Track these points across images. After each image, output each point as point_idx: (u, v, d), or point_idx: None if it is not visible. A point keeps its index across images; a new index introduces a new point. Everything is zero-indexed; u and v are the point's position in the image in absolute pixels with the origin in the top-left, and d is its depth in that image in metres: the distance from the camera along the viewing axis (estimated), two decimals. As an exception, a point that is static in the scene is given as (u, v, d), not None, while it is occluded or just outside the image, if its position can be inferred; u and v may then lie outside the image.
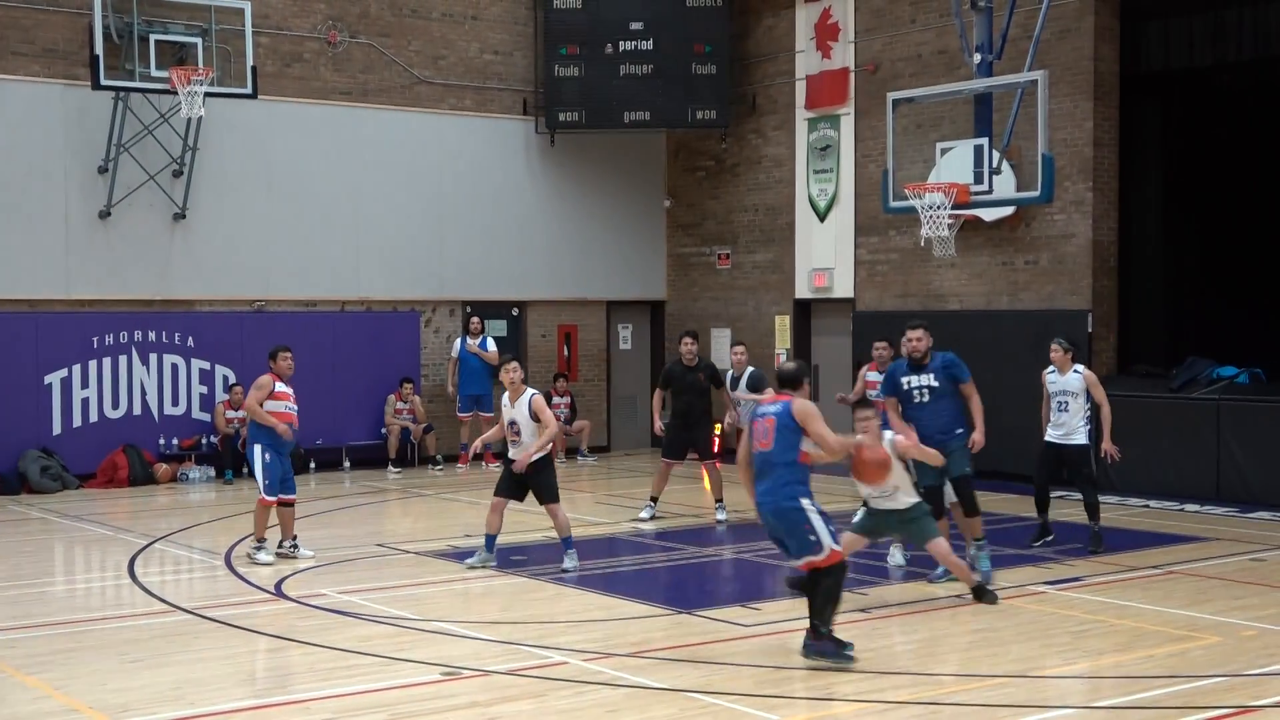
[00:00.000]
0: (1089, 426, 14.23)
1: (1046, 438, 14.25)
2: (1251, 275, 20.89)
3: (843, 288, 21.61)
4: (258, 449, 13.31)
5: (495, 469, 20.93)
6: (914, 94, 17.95)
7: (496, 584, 12.43)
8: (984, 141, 16.57)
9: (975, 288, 19.77)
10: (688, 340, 16.28)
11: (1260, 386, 17.54)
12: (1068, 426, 14.12)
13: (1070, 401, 14.07)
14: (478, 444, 14.54)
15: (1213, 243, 20.41)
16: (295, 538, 13.52)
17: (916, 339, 12.40)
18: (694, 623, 10.74)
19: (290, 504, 13.47)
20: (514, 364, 12.92)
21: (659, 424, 16.31)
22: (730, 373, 16.18)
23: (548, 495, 12.83)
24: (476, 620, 10.88)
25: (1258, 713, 8.26)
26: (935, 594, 11.73)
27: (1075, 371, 14.11)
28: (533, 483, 12.82)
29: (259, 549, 13.27)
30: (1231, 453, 17.29)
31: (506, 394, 12.93)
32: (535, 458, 12.62)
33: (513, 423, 12.77)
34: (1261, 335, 20.51)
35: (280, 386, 13.54)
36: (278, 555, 13.33)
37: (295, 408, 13.65)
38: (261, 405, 13.35)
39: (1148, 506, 16.98)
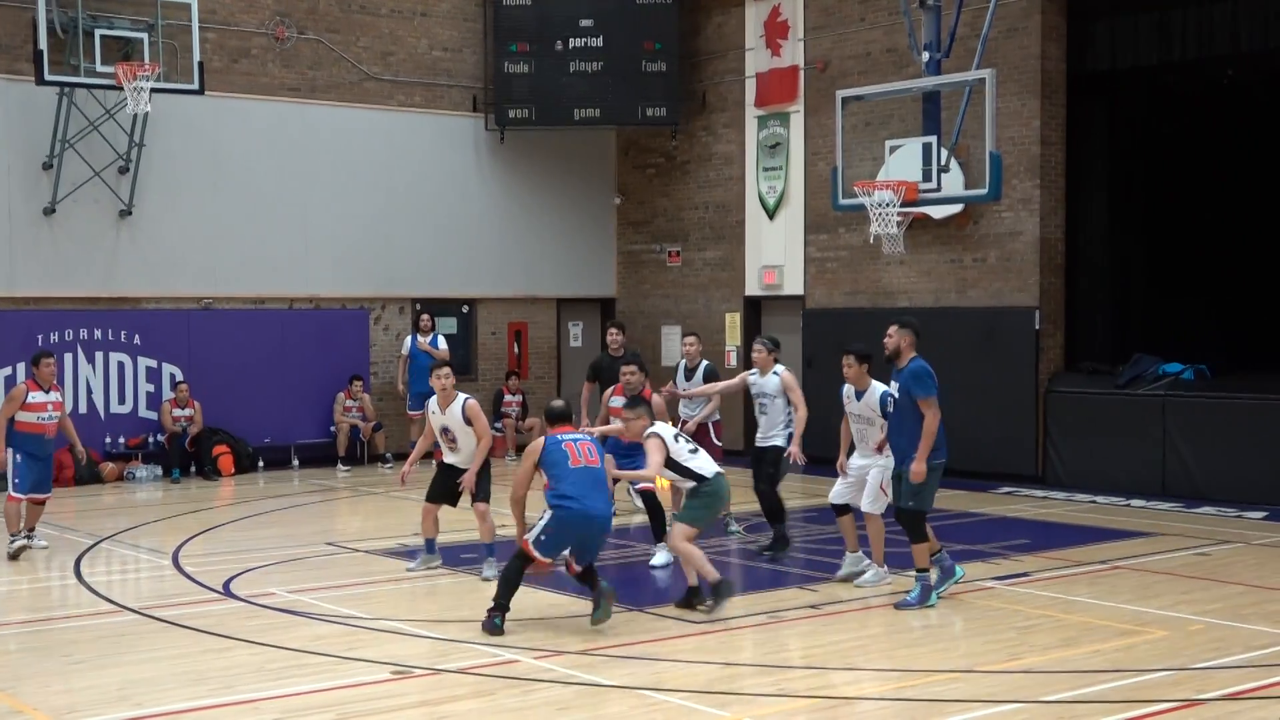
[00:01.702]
0: (790, 430, 13.07)
1: (756, 442, 13.45)
2: (1197, 273, 21.11)
3: (793, 285, 21.67)
4: (10, 452, 13.52)
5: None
6: (863, 92, 18.03)
7: (446, 583, 12.38)
8: (932, 139, 16.65)
9: (924, 285, 19.87)
10: (613, 331, 16.22)
11: (1205, 383, 17.72)
12: (764, 429, 13.21)
13: (768, 404, 13.09)
14: (408, 465, 13.29)
15: (1159, 240, 20.61)
16: (34, 530, 13.75)
17: (886, 335, 11.44)
18: (645, 620, 10.73)
19: (41, 503, 13.74)
20: (446, 369, 12.45)
21: (586, 419, 15.55)
22: (683, 363, 15.73)
23: (479, 494, 12.39)
24: (426, 619, 10.84)
25: (1204, 706, 8.34)
26: (882, 589, 11.75)
27: (774, 373, 13.04)
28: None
29: (13, 540, 13.53)
30: (1177, 449, 17.47)
31: (435, 399, 12.47)
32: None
33: (445, 429, 12.37)
34: (1206, 332, 20.75)
35: (36, 396, 13.63)
36: (13, 541, 13.50)
37: (55, 415, 13.76)
38: (12, 417, 13.52)
39: (1094, 502, 17.12)
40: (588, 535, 10.38)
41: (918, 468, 10.91)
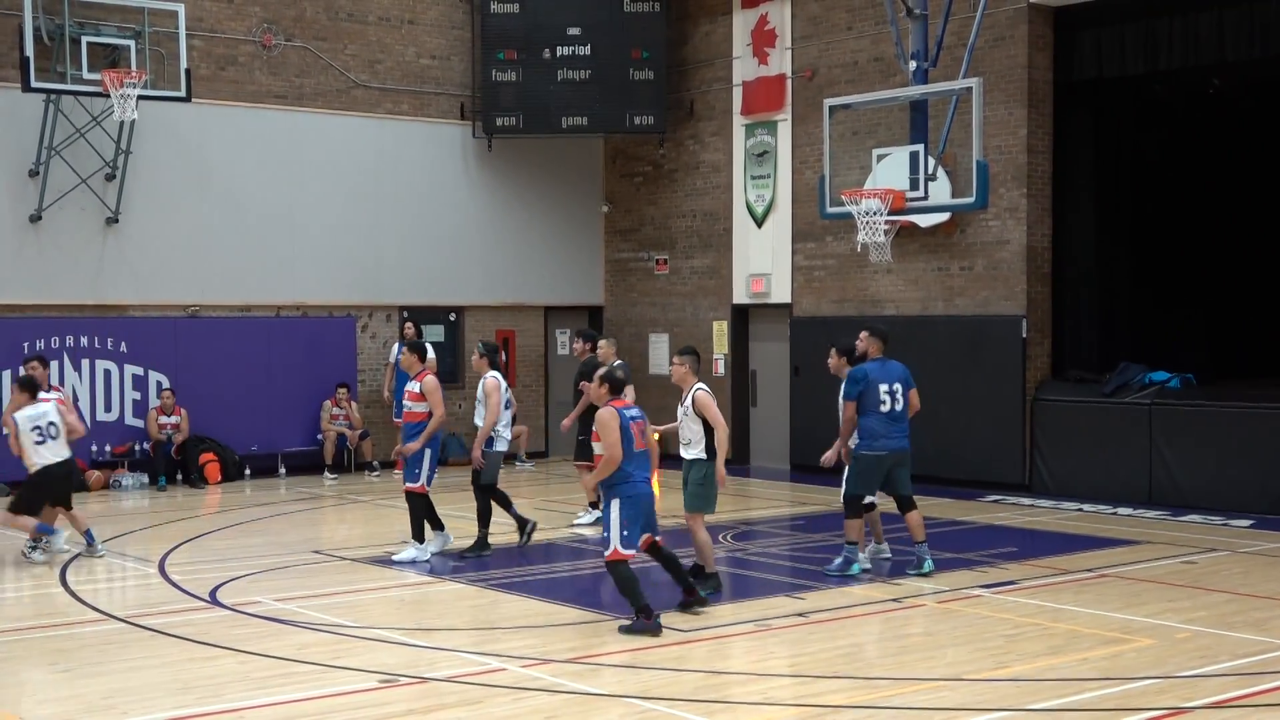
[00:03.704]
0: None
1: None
2: (1183, 281, 21.16)
3: (780, 293, 21.69)
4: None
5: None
6: (850, 100, 18.05)
7: (434, 590, 12.37)
8: (920, 148, 16.67)
9: (911, 293, 19.90)
10: (577, 341, 16.34)
11: (1191, 391, 17.76)
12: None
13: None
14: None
15: (1145, 249, 20.65)
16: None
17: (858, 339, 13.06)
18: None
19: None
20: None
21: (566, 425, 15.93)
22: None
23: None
24: (414, 627, 10.82)
25: (1191, 714, 8.35)
26: (872, 598, 11.78)
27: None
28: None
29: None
30: (1163, 457, 17.51)
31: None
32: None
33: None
34: (1193, 341, 20.80)
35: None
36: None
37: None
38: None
39: (1081, 510, 17.13)
40: (650, 510, 10.77)
41: (829, 453, 12.90)
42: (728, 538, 14.71)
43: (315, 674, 9.36)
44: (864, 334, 13.05)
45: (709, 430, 11.85)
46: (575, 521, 15.86)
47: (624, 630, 10.41)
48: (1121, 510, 17.04)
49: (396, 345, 21.54)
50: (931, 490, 18.56)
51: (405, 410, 13.89)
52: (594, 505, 15.48)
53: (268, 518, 16.99)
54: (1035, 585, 12.36)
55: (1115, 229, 20.12)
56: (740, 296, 22.37)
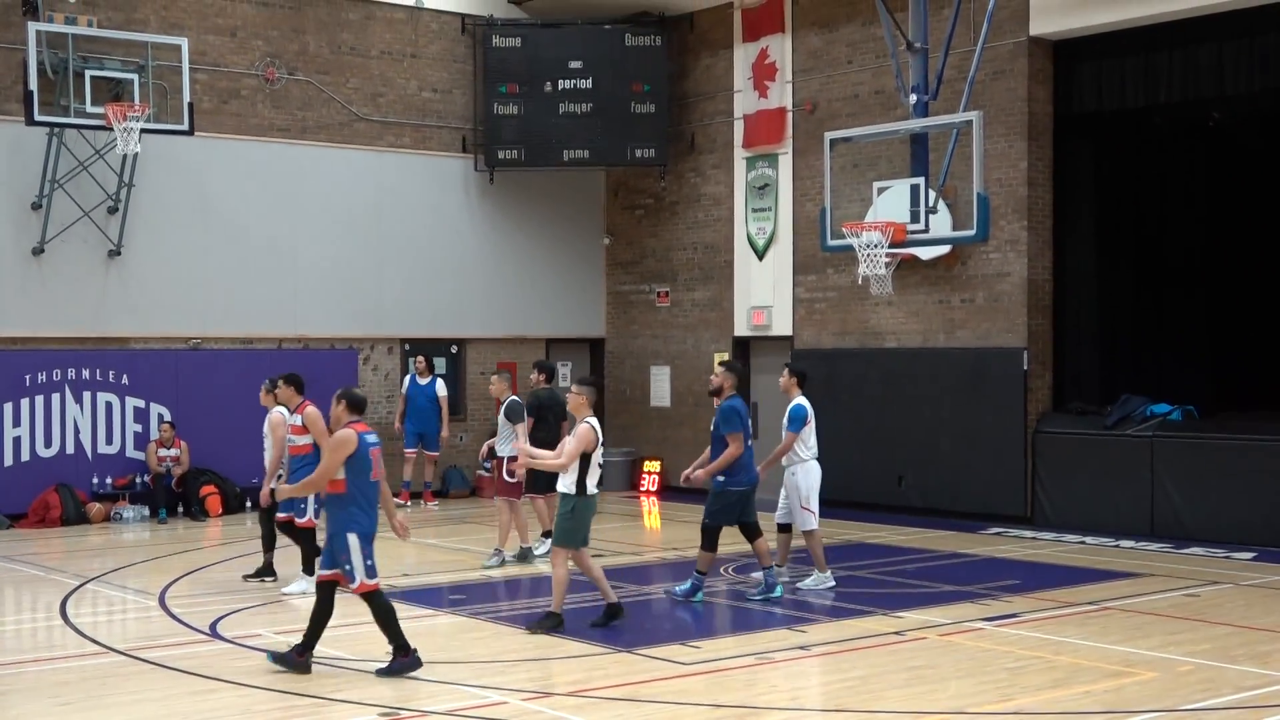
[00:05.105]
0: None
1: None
2: (1184, 313, 21.19)
3: (782, 325, 21.71)
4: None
5: (434, 508, 20.88)
6: (851, 134, 18.09)
7: (435, 623, 12.34)
8: (920, 181, 16.71)
9: (912, 325, 19.91)
10: (536, 371, 16.32)
11: (1193, 424, 17.75)
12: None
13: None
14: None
15: (1146, 281, 20.69)
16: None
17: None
18: (633, 661, 10.70)
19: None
20: None
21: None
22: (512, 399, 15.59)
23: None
24: (414, 660, 10.77)
25: (1193, 747, 8.32)
26: (873, 630, 11.74)
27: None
28: None
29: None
30: (1165, 489, 17.48)
31: None
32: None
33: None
34: (1195, 373, 20.80)
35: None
36: None
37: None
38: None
39: (1083, 543, 17.09)
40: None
41: (697, 474, 13.28)
42: (730, 570, 14.67)
43: (315, 707, 9.33)
44: (720, 371, 13.39)
45: (584, 465, 11.69)
46: (537, 552, 15.65)
47: (382, 673, 10.09)
48: (1124, 543, 17.00)
49: (410, 378, 21.55)
50: (932, 523, 18.54)
51: (290, 444, 13.64)
52: (547, 535, 15.24)
53: (269, 550, 16.91)
54: (1038, 618, 12.32)
55: (1116, 261, 20.15)
56: (741, 329, 22.39)
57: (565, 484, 11.76)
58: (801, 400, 13.75)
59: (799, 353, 21.17)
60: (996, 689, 9.79)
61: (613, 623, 11.78)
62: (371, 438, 10.33)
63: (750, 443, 13.13)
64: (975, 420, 19.02)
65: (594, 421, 11.72)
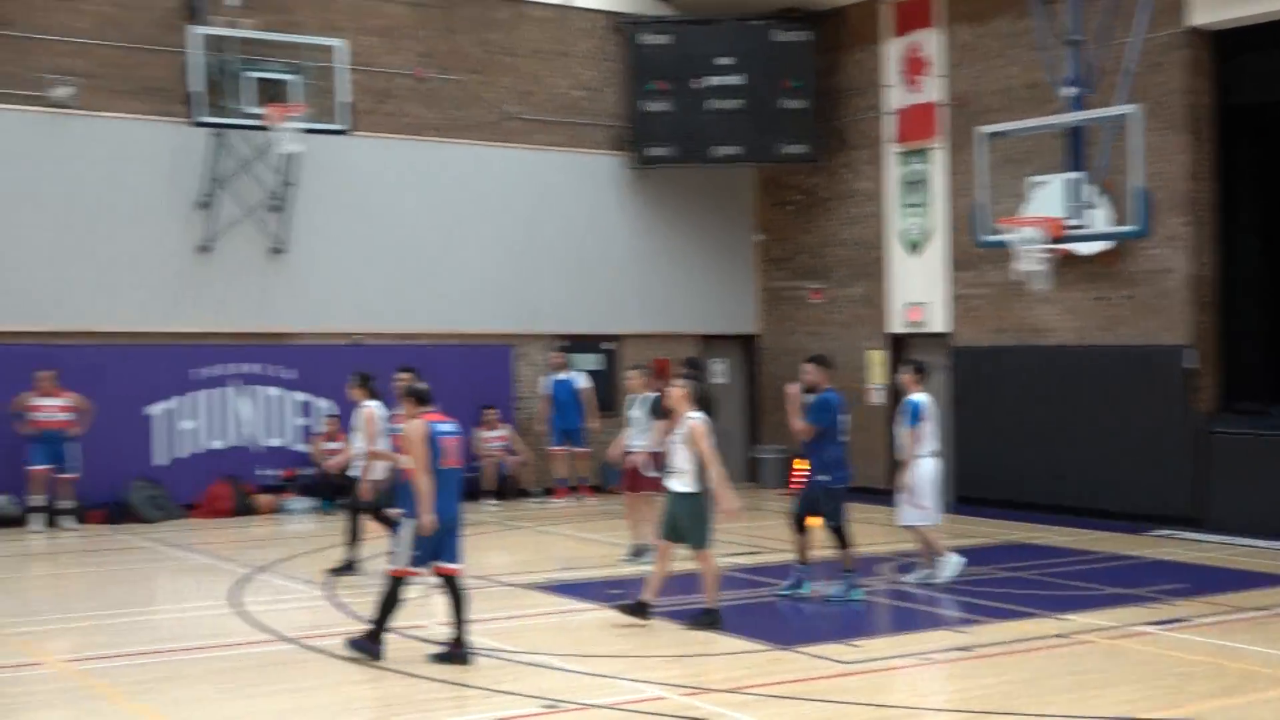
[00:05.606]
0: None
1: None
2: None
3: (938, 322, 21.47)
4: None
5: (593, 503, 21.00)
6: (1004, 128, 17.75)
7: (592, 617, 12.41)
8: (1077, 175, 16.40)
9: (1071, 322, 19.56)
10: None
11: (1366, 423, 17.19)
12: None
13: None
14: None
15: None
16: None
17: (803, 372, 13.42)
18: (792, 659, 10.67)
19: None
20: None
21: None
22: (639, 397, 15.58)
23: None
24: (574, 653, 10.85)
25: (1376, 758, 8.07)
26: (1036, 633, 11.56)
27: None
28: None
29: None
30: (1338, 491, 16.93)
31: None
32: None
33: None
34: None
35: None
36: None
37: None
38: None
39: (1254, 546, 16.60)
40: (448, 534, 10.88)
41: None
42: (889, 569, 14.56)
43: (479, 698, 9.46)
44: (810, 366, 13.29)
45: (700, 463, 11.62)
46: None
47: (349, 643, 10.52)
48: (1296, 546, 16.50)
49: (548, 376, 21.72)
50: (1095, 524, 18.18)
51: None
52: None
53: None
54: (1207, 623, 12.01)
55: (1284, 256, 19.57)
56: (895, 325, 22.19)
57: (685, 483, 11.66)
58: (917, 396, 13.75)
59: (957, 351, 20.93)
60: (1165, 695, 9.58)
61: (709, 629, 11.59)
62: (445, 426, 10.61)
63: (843, 438, 13.22)
64: (1137, 419, 18.61)
65: (701, 415, 11.69)
